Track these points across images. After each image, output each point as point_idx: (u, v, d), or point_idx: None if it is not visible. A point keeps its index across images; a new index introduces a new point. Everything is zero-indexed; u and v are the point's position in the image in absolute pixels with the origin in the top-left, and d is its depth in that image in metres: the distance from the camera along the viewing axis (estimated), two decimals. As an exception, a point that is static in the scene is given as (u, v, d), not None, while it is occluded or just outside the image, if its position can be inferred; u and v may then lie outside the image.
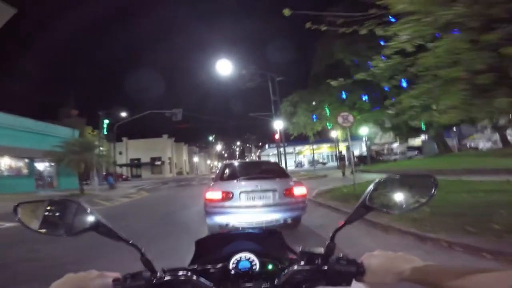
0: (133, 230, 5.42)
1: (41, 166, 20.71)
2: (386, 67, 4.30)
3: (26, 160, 18.51)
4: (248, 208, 4.61)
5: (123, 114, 25.83)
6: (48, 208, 0.75)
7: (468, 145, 35.32)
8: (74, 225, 0.72)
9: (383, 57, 4.55)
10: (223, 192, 4.66)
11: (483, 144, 32.69)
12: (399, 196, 0.76)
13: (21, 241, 4.96)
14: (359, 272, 0.68)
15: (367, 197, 0.75)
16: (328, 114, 18.74)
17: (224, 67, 16.67)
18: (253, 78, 18.44)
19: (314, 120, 19.70)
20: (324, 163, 44.92)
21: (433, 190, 0.72)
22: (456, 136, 36.35)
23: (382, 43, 15.39)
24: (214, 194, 4.70)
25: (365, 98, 18.39)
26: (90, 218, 0.72)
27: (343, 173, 17.25)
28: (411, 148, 34.40)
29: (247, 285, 0.78)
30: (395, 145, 38.21)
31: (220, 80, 19.34)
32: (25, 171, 18.62)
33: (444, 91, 3.76)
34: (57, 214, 0.74)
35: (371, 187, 0.76)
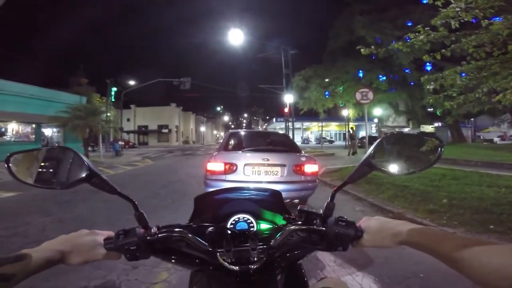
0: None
1: (48, 131, 20.84)
2: (428, 40, 3.72)
3: (33, 125, 18.53)
4: (252, 184, 4.17)
5: (132, 82, 25.64)
6: (43, 158, 0.71)
7: (481, 137, 34.58)
8: (68, 176, 0.68)
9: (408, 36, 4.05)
10: (225, 164, 4.24)
11: (497, 138, 31.84)
12: (404, 156, 0.73)
13: (15, 213, 4.85)
14: (357, 235, 0.66)
15: (371, 155, 0.71)
16: (341, 91, 18.08)
17: (236, 37, 16.19)
18: (265, 50, 17.84)
19: (327, 96, 19.02)
20: (331, 141, 44.58)
21: (439, 152, 0.69)
22: (472, 127, 35.50)
23: (409, 24, 14.56)
24: (215, 165, 4.28)
25: (382, 78, 17.58)
26: (85, 169, 0.67)
27: (353, 153, 16.80)
28: (423, 134, 33.67)
29: (243, 245, 0.75)
30: (407, 129, 37.41)
31: (231, 50, 18.71)
32: (31, 137, 18.72)
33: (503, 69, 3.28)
34: (52, 164, 0.70)
35: (376, 144, 0.73)
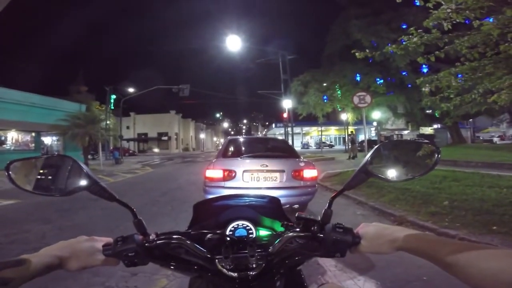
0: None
1: (48, 140, 20.89)
2: (422, 42, 3.75)
3: (33, 134, 18.57)
4: (251, 190, 4.16)
5: (131, 90, 25.72)
6: (43, 165, 0.72)
7: (481, 138, 34.68)
8: (67, 183, 0.69)
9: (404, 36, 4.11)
10: (224, 170, 4.22)
11: (496, 138, 31.96)
12: (401, 163, 0.74)
13: (14, 221, 4.84)
14: (354, 241, 0.66)
15: (368, 161, 0.72)
16: (339, 95, 18.17)
17: (234, 43, 16.25)
18: (264, 55, 17.98)
19: (325, 101, 19.14)
20: (331, 146, 44.59)
21: (435, 158, 0.70)
22: (471, 128, 35.65)
23: (404, 26, 14.75)
24: (214, 172, 4.26)
25: (380, 82, 17.69)
26: (84, 177, 0.68)
27: (353, 157, 16.80)
28: (422, 136, 33.70)
29: (242, 252, 0.75)
30: (406, 132, 37.47)
31: (230, 57, 18.78)
32: (31, 145, 18.75)
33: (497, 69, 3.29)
34: (51, 172, 0.71)
35: (372, 151, 0.73)
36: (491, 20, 3.29)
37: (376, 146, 0.75)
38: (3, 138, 17.36)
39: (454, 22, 3.37)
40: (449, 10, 3.25)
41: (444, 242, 0.53)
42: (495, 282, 0.42)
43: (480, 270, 0.44)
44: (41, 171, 0.71)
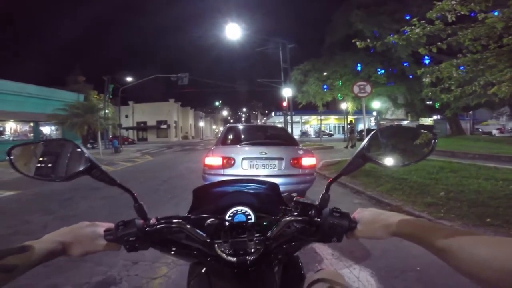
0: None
1: (46, 130, 20.83)
2: (424, 33, 3.73)
3: (31, 124, 18.54)
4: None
5: (129, 79, 25.48)
6: (44, 150, 0.71)
7: (480, 130, 34.78)
8: (68, 168, 0.68)
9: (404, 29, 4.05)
10: (223, 158, 4.23)
11: (496, 130, 32.08)
12: (398, 149, 0.74)
13: (15, 212, 4.88)
14: (350, 226, 0.67)
15: (365, 147, 0.72)
16: (340, 84, 18.06)
17: (233, 32, 15.96)
18: (264, 44, 17.76)
19: (325, 90, 19.04)
20: (330, 135, 44.60)
21: (432, 144, 0.70)
22: (471, 120, 35.70)
23: (408, 17, 14.55)
24: (213, 160, 4.27)
25: (381, 72, 17.55)
26: (85, 161, 0.66)
27: (352, 146, 16.81)
28: (421, 126, 33.80)
29: (241, 237, 0.75)
30: (405, 122, 37.51)
31: (229, 45, 18.52)
32: (30, 135, 18.70)
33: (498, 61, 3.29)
34: (52, 156, 0.70)
35: (370, 136, 0.73)
36: (496, 13, 3.27)
37: (373, 131, 0.75)
38: (1, 128, 17.32)
39: (458, 14, 3.35)
40: (453, 2, 3.22)
41: (437, 228, 0.53)
42: (485, 268, 0.42)
43: (471, 256, 0.44)
44: (42, 155, 0.70)
